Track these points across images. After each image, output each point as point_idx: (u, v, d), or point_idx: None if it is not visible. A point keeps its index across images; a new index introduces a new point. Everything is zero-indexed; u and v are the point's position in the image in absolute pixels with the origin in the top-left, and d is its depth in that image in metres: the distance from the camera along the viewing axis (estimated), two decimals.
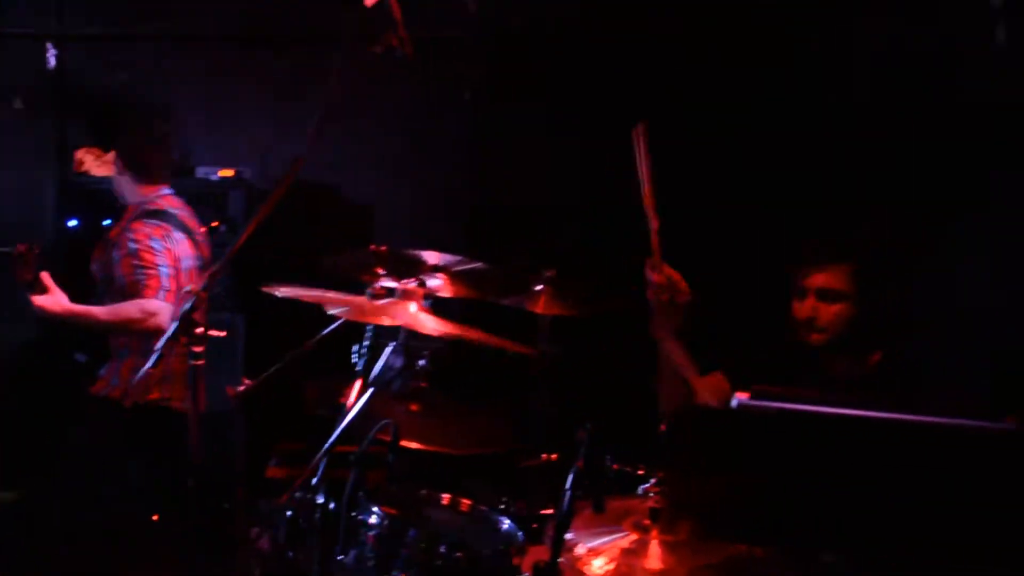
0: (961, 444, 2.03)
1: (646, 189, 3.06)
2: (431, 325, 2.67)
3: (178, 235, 4.02)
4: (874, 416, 2.02)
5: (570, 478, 2.36)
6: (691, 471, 2.09)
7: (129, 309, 3.86)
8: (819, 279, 3.01)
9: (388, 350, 2.73)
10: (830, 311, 3.01)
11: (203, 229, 4.20)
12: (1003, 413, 2.05)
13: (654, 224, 3.05)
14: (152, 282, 3.88)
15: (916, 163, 4.05)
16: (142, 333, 3.87)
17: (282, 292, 2.73)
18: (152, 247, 3.92)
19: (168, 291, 3.90)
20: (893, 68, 4.13)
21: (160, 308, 3.86)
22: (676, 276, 3.09)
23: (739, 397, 2.06)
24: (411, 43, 3.05)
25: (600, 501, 2.45)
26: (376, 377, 2.71)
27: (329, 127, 4.66)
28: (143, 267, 3.90)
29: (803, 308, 3.05)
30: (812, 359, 3.13)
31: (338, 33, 2.90)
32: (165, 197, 4.12)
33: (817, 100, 4.42)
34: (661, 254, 3.07)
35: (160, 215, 4.03)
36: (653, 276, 3.07)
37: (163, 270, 3.92)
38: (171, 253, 3.96)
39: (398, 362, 2.70)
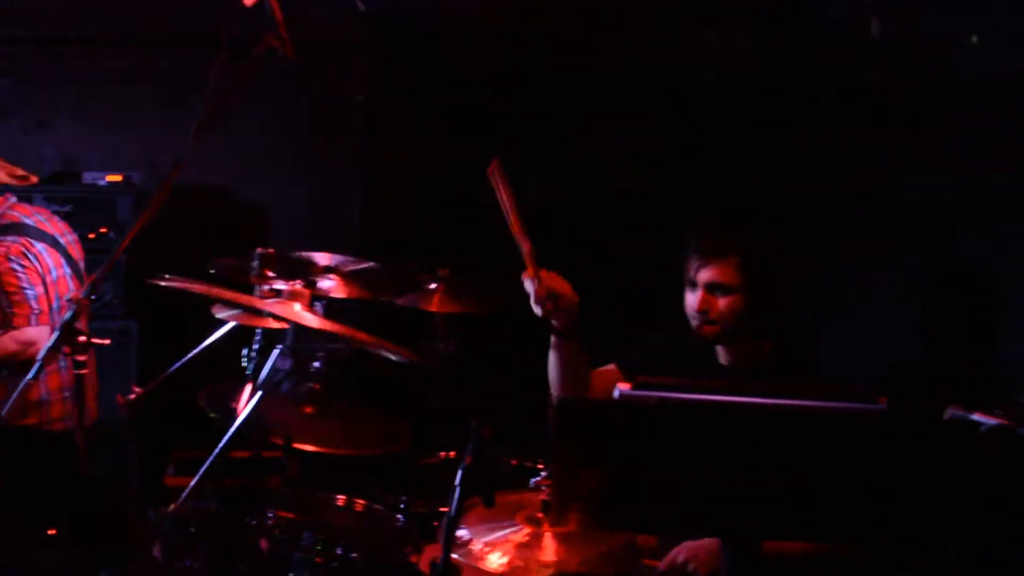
0: (835, 426, 2.09)
1: (512, 219, 3.00)
2: (316, 324, 2.65)
3: (39, 247, 3.73)
4: (752, 402, 2.07)
5: (459, 474, 2.36)
6: (575, 462, 2.11)
7: (4, 343, 3.63)
8: (707, 273, 3.06)
9: (275, 352, 2.70)
10: (720, 304, 3.06)
11: (67, 228, 3.93)
12: (875, 395, 2.12)
13: (525, 247, 2.99)
14: (20, 309, 3.65)
15: (796, 154, 4.15)
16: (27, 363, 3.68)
17: (167, 283, 2.67)
18: (12, 269, 3.65)
19: (40, 313, 3.66)
20: (764, 63, 4.23)
21: (36, 335, 3.63)
22: (558, 283, 3.03)
23: (621, 388, 2.09)
24: (295, 44, 3.03)
25: (491, 496, 2.47)
26: (264, 380, 2.69)
27: (222, 129, 4.64)
28: (7, 293, 3.65)
29: (695, 301, 3.10)
30: (706, 350, 3.19)
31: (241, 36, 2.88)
32: (15, 207, 3.80)
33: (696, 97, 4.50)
34: (536, 270, 3.00)
35: (14, 229, 3.73)
36: (534, 288, 3.01)
37: (29, 293, 3.66)
38: (34, 270, 3.69)
39: (286, 364, 2.67)
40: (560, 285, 3.02)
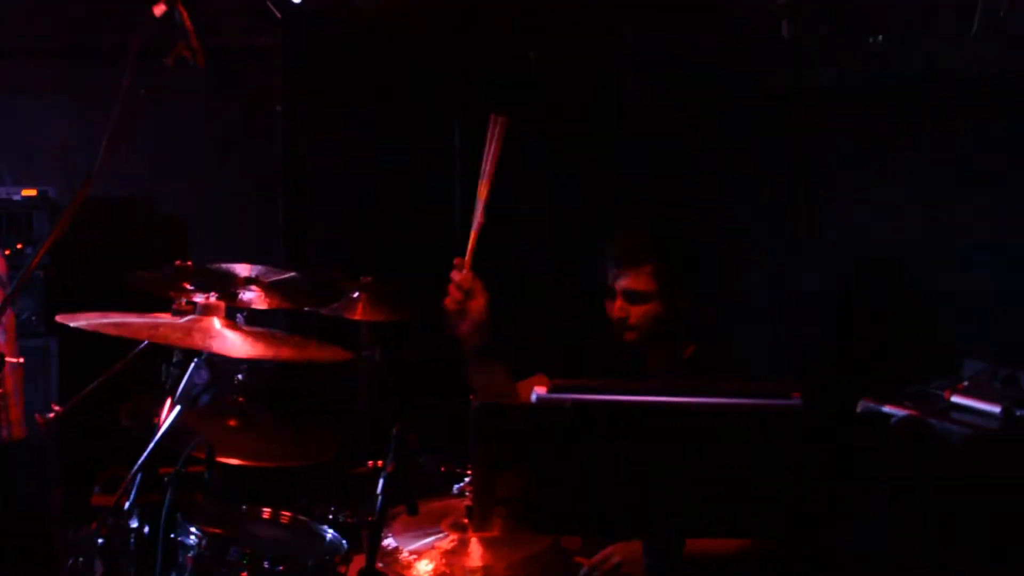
0: (749, 423, 2.11)
1: (485, 182, 3.06)
2: (233, 341, 2.62)
3: None
4: (666, 401, 2.09)
5: (380, 482, 2.37)
6: (495, 466, 2.12)
7: None
8: (624, 282, 3.10)
9: (192, 366, 2.67)
10: (639, 311, 3.10)
11: None
12: (790, 390, 2.15)
13: (480, 220, 3.05)
14: None
15: (713, 157, 4.20)
16: None
17: (77, 323, 2.62)
18: None
19: None
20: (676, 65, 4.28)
21: None
22: (478, 285, 3.08)
23: (538, 391, 2.10)
24: (208, 54, 3.01)
25: (413, 504, 2.46)
26: (181, 394, 2.66)
27: (142, 141, 4.60)
28: None
29: (614, 309, 3.13)
30: (632, 356, 3.23)
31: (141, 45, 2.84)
32: None
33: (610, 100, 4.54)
34: (473, 254, 3.06)
35: None
36: (456, 275, 3.07)
37: None
38: None
39: (202, 377, 2.65)
40: (478, 288, 3.07)
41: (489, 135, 3.08)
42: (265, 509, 3.10)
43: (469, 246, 3.09)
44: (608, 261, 3.14)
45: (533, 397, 2.10)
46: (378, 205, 4.76)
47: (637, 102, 4.37)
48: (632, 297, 3.10)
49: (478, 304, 3.07)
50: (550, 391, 2.10)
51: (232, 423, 3.34)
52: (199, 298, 3.01)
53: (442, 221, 4.81)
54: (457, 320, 3.09)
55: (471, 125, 4.80)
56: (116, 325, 2.58)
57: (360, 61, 4.76)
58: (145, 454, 2.74)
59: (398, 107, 4.79)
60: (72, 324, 2.61)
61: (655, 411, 2.04)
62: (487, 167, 3.07)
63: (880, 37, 3.30)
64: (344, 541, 3.01)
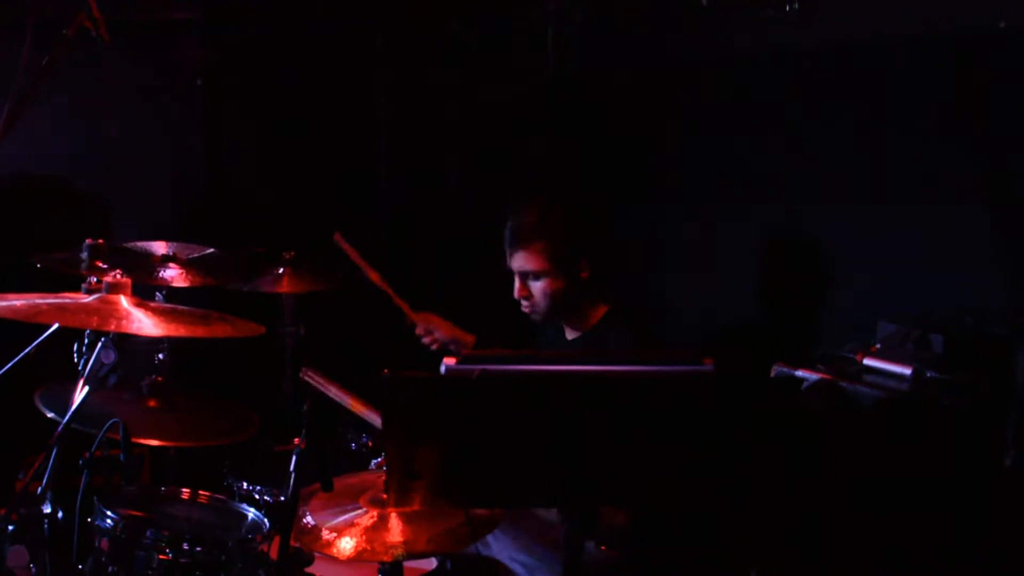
0: (660, 390, 2.11)
1: (371, 277, 3.62)
2: (138, 320, 2.55)
3: None
4: (575, 370, 2.07)
5: (293, 459, 2.33)
6: (406, 439, 2.10)
7: None
8: (518, 261, 3.15)
9: (99, 345, 2.61)
10: (537, 288, 3.14)
11: None
12: (701, 357, 2.15)
13: (392, 297, 3.60)
14: None
15: (633, 127, 4.19)
16: None
17: None
18: None
19: None
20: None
21: None
22: (431, 321, 3.56)
23: (447, 362, 2.08)
24: (120, 27, 2.95)
25: (328, 480, 2.43)
26: (88, 375, 2.60)
27: (60, 118, 4.48)
28: None
29: (514, 290, 3.15)
30: (555, 327, 3.28)
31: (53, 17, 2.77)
32: None
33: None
34: (401, 300, 3.59)
35: None
36: (417, 332, 3.56)
37: None
38: None
39: (110, 357, 2.59)
40: (431, 322, 3.52)
41: (343, 251, 3.67)
42: (184, 490, 3.04)
43: (395, 302, 3.60)
44: (505, 241, 3.16)
45: (442, 368, 2.08)
46: (301, 177, 4.70)
47: (558, 75, 4.34)
48: (527, 276, 3.13)
49: (443, 325, 3.54)
50: (459, 362, 2.08)
51: (152, 403, 3.27)
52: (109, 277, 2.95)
53: (366, 192, 4.79)
54: (446, 349, 3.52)
55: (396, 94, 4.79)
56: (21, 310, 2.49)
57: (280, 31, 4.68)
58: (56, 436, 2.69)
59: (320, 78, 4.72)
60: None
61: (560, 380, 2.02)
62: (364, 270, 3.66)
63: (796, 5, 3.30)
64: (266, 520, 2.96)
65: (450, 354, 2.40)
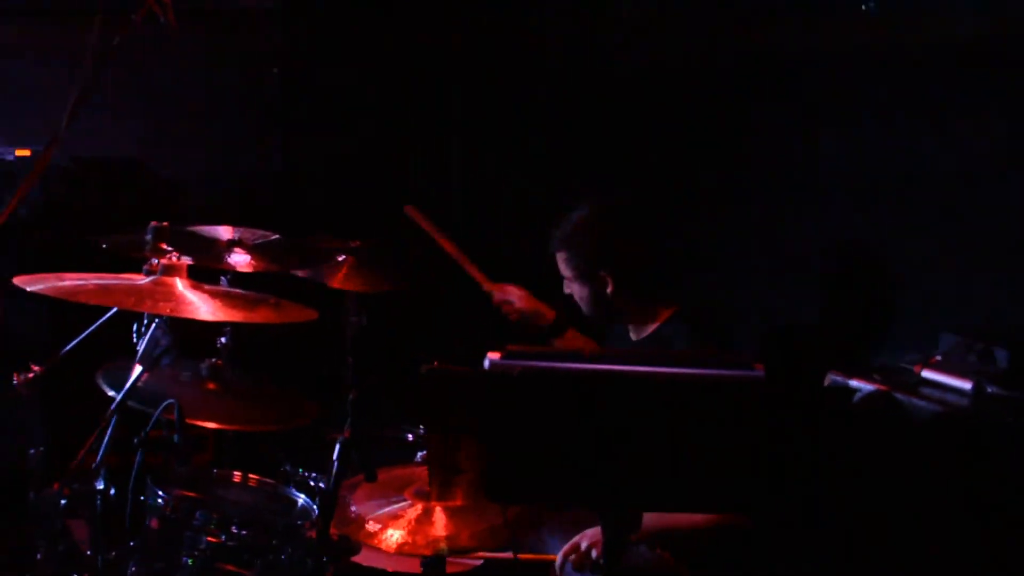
0: (706, 394, 2.06)
1: (448, 250, 3.55)
2: (192, 303, 2.57)
3: None
4: (620, 370, 2.03)
5: (336, 449, 2.33)
6: (448, 434, 2.08)
7: None
8: (558, 265, 3.18)
9: (153, 327, 2.64)
10: (573, 291, 3.18)
11: None
12: (752, 362, 2.09)
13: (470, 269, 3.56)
14: None
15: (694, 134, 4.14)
16: None
17: (33, 287, 2.57)
18: None
19: None
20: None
21: None
22: (509, 291, 3.50)
23: (490, 357, 2.05)
24: (190, 15, 2.98)
25: (372, 471, 2.43)
26: (142, 355, 2.62)
27: (136, 103, 4.56)
28: None
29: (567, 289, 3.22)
30: (616, 329, 3.27)
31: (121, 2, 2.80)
32: None
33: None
34: (478, 271, 3.56)
35: None
36: (494, 299, 3.51)
37: None
38: None
39: (165, 340, 2.61)
40: (509, 292, 3.47)
41: (418, 225, 3.61)
42: (236, 473, 3.07)
43: (470, 273, 3.56)
44: None
45: (485, 363, 2.05)
46: (376, 171, 4.71)
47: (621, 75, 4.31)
48: (566, 280, 3.19)
49: (523, 297, 3.46)
50: (503, 357, 2.05)
51: (211, 386, 3.30)
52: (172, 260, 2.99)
53: (440, 187, 4.79)
54: (527, 321, 3.45)
55: (472, 88, 4.77)
56: (65, 289, 2.52)
57: (357, 22, 4.69)
58: (112, 415, 2.73)
59: (397, 69, 4.73)
60: (28, 288, 2.56)
61: (601, 379, 1.98)
62: (440, 243, 3.60)
63: (873, 3, 3.22)
64: (315, 506, 2.98)
65: (500, 349, 2.40)
